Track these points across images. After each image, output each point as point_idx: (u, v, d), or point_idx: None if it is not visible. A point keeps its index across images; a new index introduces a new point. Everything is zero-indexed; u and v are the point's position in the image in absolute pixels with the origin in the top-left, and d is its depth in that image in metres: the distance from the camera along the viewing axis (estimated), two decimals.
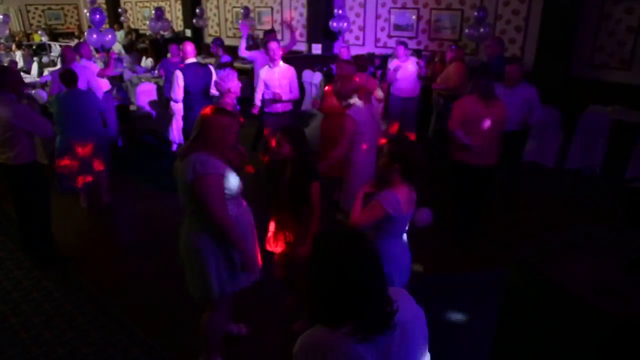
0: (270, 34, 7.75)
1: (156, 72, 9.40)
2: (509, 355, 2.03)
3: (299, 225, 3.19)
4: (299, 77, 9.13)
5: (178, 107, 6.87)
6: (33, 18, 19.08)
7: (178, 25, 15.56)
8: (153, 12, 13.03)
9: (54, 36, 17.20)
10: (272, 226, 3.36)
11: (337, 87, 4.08)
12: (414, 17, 9.77)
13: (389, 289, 1.55)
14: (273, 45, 5.56)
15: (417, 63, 7.14)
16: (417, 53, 8.72)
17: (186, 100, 5.53)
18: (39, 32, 16.76)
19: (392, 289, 1.61)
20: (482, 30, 8.09)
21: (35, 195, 4.24)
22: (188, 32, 14.55)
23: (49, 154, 6.88)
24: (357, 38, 10.89)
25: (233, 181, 2.68)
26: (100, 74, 6.76)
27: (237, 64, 9.99)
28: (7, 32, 12.78)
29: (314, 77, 9.40)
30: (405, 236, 2.88)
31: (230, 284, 2.80)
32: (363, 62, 6.00)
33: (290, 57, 10.37)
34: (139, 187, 6.14)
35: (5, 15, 10.83)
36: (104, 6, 16.60)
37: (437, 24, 9.43)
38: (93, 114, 5.27)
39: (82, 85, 5.59)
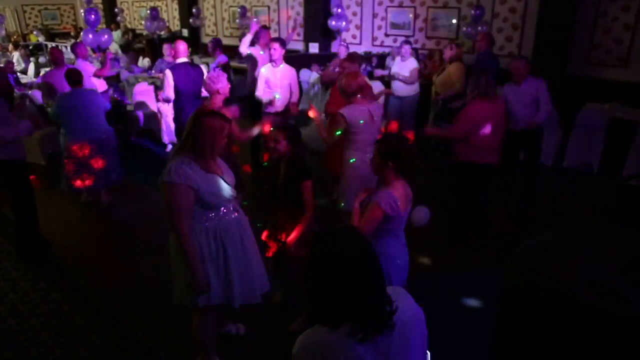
0: (265, 30, 7.66)
1: (153, 71, 9.38)
2: (508, 355, 2.03)
3: (292, 224, 3.20)
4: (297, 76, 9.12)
5: (166, 108, 6.85)
6: (29, 18, 19.03)
7: (175, 25, 15.53)
8: (148, 12, 13.02)
9: (51, 36, 17.15)
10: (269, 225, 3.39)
11: (342, 85, 4.08)
12: (411, 15, 9.77)
13: (388, 288, 1.55)
14: (275, 45, 5.52)
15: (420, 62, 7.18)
16: (414, 51, 8.73)
17: (177, 101, 5.43)
18: (35, 32, 16.72)
19: (392, 288, 1.61)
20: (479, 28, 8.09)
21: (15, 194, 4.27)
22: (185, 32, 14.53)
23: (47, 155, 6.87)
24: (354, 37, 10.88)
25: (215, 189, 2.60)
26: (97, 75, 6.74)
27: (234, 64, 9.97)
28: (3, 32, 12.75)
29: (311, 76, 9.40)
30: (403, 235, 2.88)
31: (217, 296, 2.73)
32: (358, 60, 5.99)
33: (287, 56, 10.39)
34: (136, 188, 6.12)
35: (1, 16, 10.79)
36: (100, 6, 16.56)
37: (434, 22, 9.43)
38: (99, 112, 5.22)
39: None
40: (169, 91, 5.39)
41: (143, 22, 13.69)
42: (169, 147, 7.30)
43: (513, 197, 5.43)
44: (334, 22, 10.08)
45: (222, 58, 7.82)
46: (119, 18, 15.78)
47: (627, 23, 7.11)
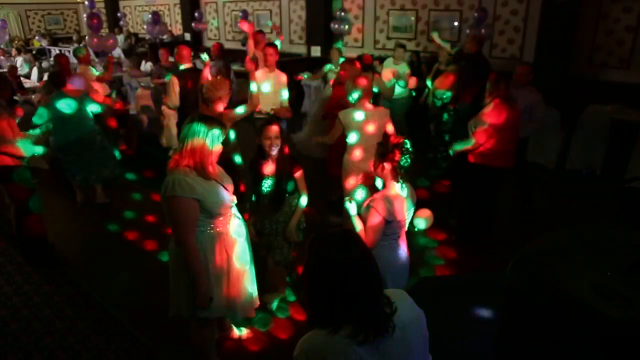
0: (261, 34, 7.64)
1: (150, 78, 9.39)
2: (510, 357, 2.03)
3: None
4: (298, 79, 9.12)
5: (169, 112, 6.83)
6: (33, 23, 19.13)
7: (177, 29, 15.57)
8: (150, 16, 13.06)
9: (54, 41, 17.24)
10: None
11: (347, 88, 4.10)
12: (412, 18, 9.77)
13: (387, 290, 1.56)
14: (271, 50, 5.44)
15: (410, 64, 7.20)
16: (416, 54, 8.74)
17: (182, 107, 5.40)
18: (37, 37, 16.80)
19: (392, 290, 1.61)
20: (483, 31, 8.08)
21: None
22: (187, 36, 14.57)
23: (49, 159, 6.89)
24: (355, 40, 10.89)
25: (218, 198, 2.58)
26: (99, 79, 6.76)
27: (235, 67, 10.00)
28: (6, 37, 12.80)
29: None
30: (403, 237, 2.88)
31: (218, 308, 2.74)
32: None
33: (289, 60, 10.41)
34: (139, 191, 6.13)
35: (3, 20, 10.83)
36: (103, 10, 16.62)
37: (436, 25, 9.43)
38: (85, 114, 5.27)
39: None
40: (175, 98, 5.37)
41: (145, 27, 13.73)
42: (170, 151, 7.30)
43: (514, 200, 5.42)
44: (336, 26, 10.09)
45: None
46: (121, 22, 15.84)
47: (629, 24, 7.10)
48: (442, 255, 4.55)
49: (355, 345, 1.40)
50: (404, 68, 7.01)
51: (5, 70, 9.51)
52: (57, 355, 3.33)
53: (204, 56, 6.19)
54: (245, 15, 12.36)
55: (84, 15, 9.38)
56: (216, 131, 2.53)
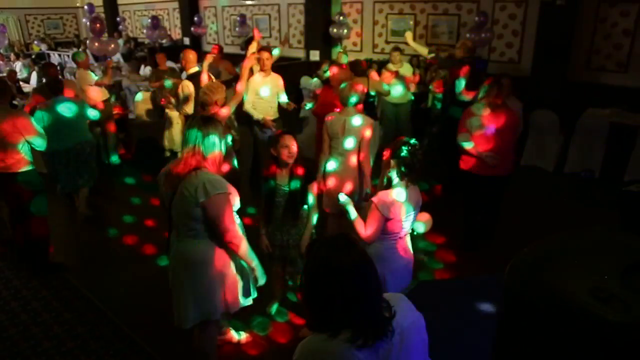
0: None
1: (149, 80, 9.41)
2: None
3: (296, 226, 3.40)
4: (297, 83, 9.14)
5: (174, 115, 6.83)
6: (32, 27, 19.17)
7: (176, 33, 15.60)
8: (149, 20, 13.10)
9: (54, 45, 17.27)
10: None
11: (342, 94, 4.08)
12: (411, 22, 9.81)
13: (387, 294, 1.56)
14: (267, 54, 5.42)
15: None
16: (415, 58, 8.76)
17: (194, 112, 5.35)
18: (36, 42, 16.83)
19: (391, 294, 1.62)
20: (483, 35, 8.09)
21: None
22: (186, 40, 14.59)
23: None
24: (354, 44, 10.92)
25: (235, 196, 2.66)
26: (98, 84, 6.76)
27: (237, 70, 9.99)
28: (6, 41, 12.83)
29: (312, 82, 9.41)
30: (403, 239, 2.88)
31: (234, 303, 2.80)
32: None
33: (288, 64, 10.42)
34: (138, 196, 6.13)
35: (2, 25, 10.87)
36: (102, 15, 16.65)
37: (435, 30, 9.47)
38: (81, 120, 5.25)
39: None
40: (191, 105, 5.35)
41: (144, 31, 13.75)
42: (167, 152, 7.27)
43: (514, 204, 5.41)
44: (335, 30, 10.12)
45: None
46: (120, 27, 15.87)
47: (627, 28, 7.14)
48: (440, 259, 4.55)
49: (355, 349, 1.40)
50: (406, 70, 7.02)
51: (4, 74, 9.51)
52: None
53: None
54: (243, 20, 12.41)
55: (84, 20, 9.41)
56: (228, 137, 2.70)
